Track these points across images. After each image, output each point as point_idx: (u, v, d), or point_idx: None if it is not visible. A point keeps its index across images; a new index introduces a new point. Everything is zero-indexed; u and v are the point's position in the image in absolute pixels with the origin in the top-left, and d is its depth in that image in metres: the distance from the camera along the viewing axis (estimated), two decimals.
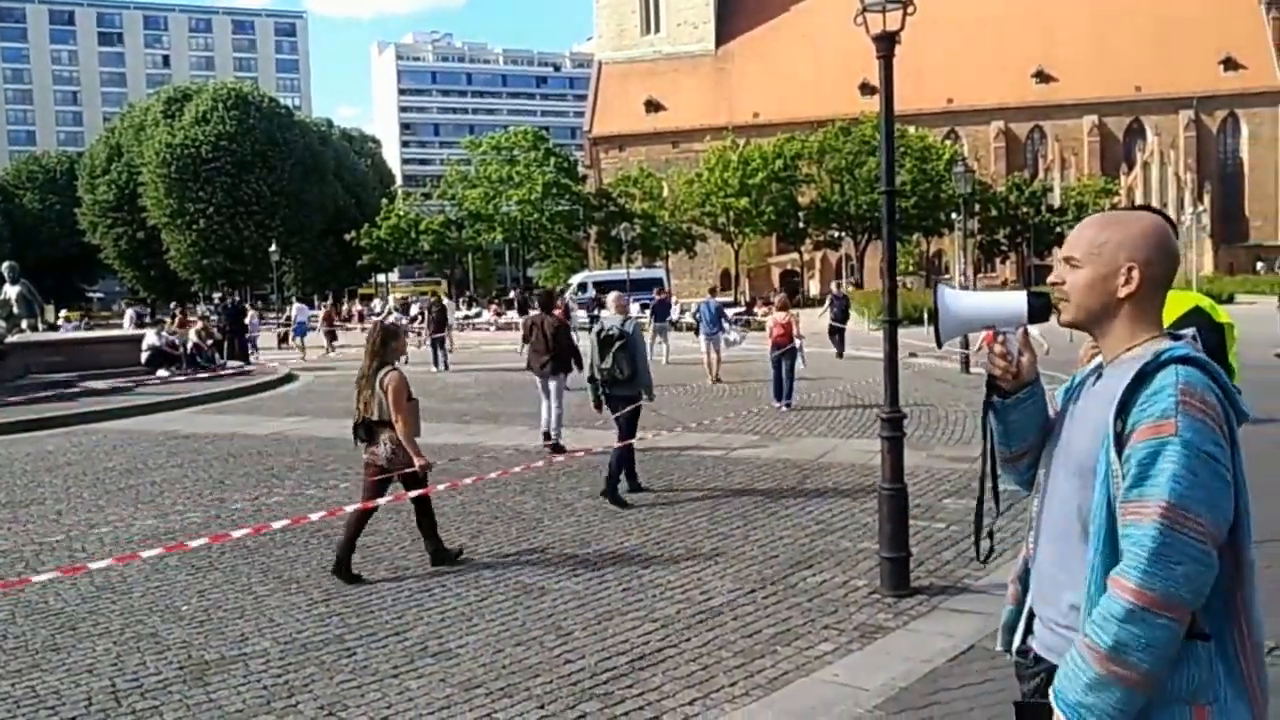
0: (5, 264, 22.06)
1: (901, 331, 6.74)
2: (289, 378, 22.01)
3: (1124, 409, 1.86)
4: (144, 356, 21.28)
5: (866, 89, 68.40)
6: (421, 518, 6.91)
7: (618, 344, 9.07)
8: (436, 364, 23.48)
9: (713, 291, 24.78)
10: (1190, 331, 2.10)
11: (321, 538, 7.75)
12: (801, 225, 67.67)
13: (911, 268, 67.51)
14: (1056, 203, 69.35)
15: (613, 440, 9.40)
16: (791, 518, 8.04)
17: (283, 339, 34.64)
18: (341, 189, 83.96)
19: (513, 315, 41.26)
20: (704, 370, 19.16)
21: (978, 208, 60.72)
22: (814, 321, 26.18)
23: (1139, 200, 63.84)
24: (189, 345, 22.78)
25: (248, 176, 74.03)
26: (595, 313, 31.40)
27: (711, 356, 19.10)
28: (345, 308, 60.50)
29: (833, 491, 9.03)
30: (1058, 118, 78.86)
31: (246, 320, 29.55)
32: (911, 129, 63.16)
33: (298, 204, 76.58)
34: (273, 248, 58.77)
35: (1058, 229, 63.52)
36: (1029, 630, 2.13)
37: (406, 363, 7.09)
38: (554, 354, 11.38)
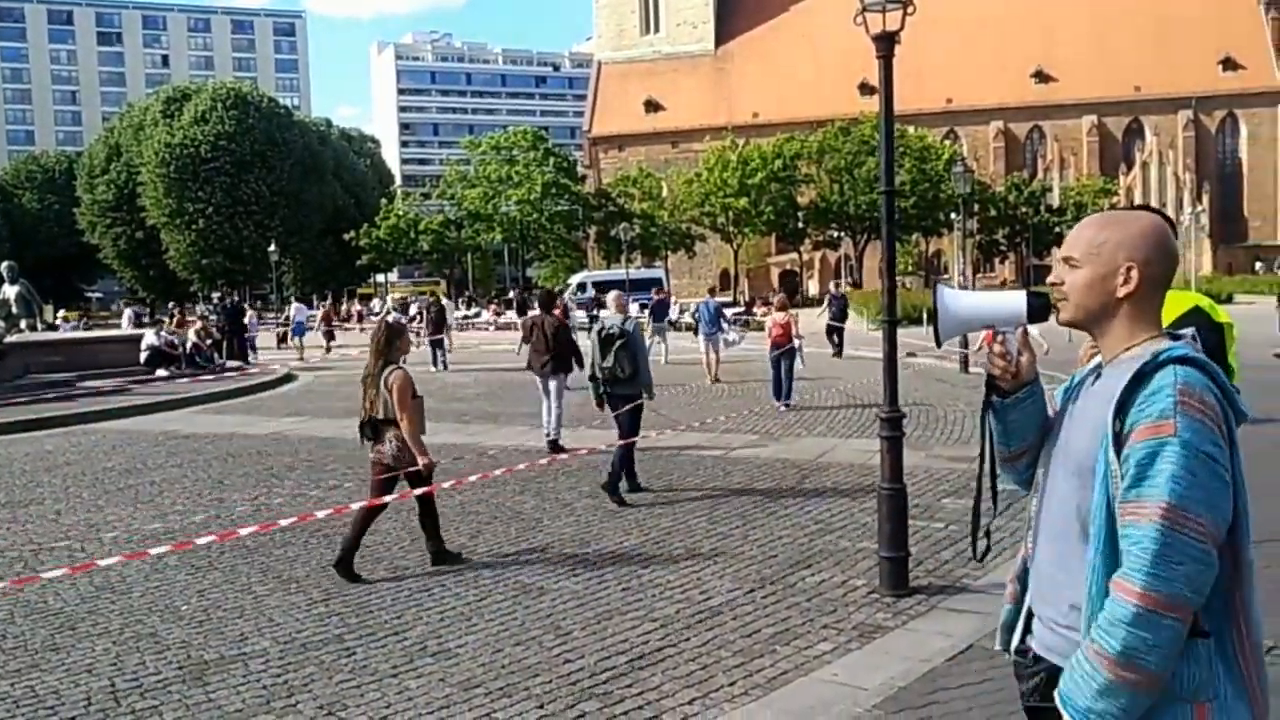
0: (4, 264, 22.05)
1: (900, 331, 6.74)
2: (288, 378, 22.02)
3: (1122, 409, 1.86)
4: (143, 356, 21.28)
5: (866, 89, 68.43)
6: (425, 517, 6.92)
7: (618, 343, 9.12)
8: (435, 364, 23.48)
9: (712, 292, 24.80)
10: (1189, 331, 2.11)
11: (321, 537, 7.76)
12: (801, 225, 67.67)
13: (910, 268, 67.53)
14: (1055, 203, 69.37)
15: (612, 439, 9.43)
16: (790, 517, 8.04)
17: (282, 339, 34.64)
18: (341, 189, 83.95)
19: (511, 315, 41.23)
20: (703, 370, 19.17)
21: (977, 208, 60.68)
22: (813, 321, 26.20)
23: (1138, 200, 63.87)
24: (188, 345, 22.78)
25: (247, 176, 74.00)
26: (594, 313, 31.41)
27: (710, 357, 19.12)
28: (344, 308, 60.52)
29: (832, 491, 9.03)
30: (1057, 118, 78.87)
31: (245, 320, 29.55)
32: (911, 129, 63.18)
33: (297, 204, 76.54)
34: (272, 248, 58.75)
35: (1057, 229, 63.54)
36: (1028, 629, 2.13)
37: (404, 363, 7.09)
38: (554, 354, 11.39)
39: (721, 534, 7.60)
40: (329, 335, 33.00)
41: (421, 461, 6.61)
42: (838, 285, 32.98)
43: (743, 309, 43.83)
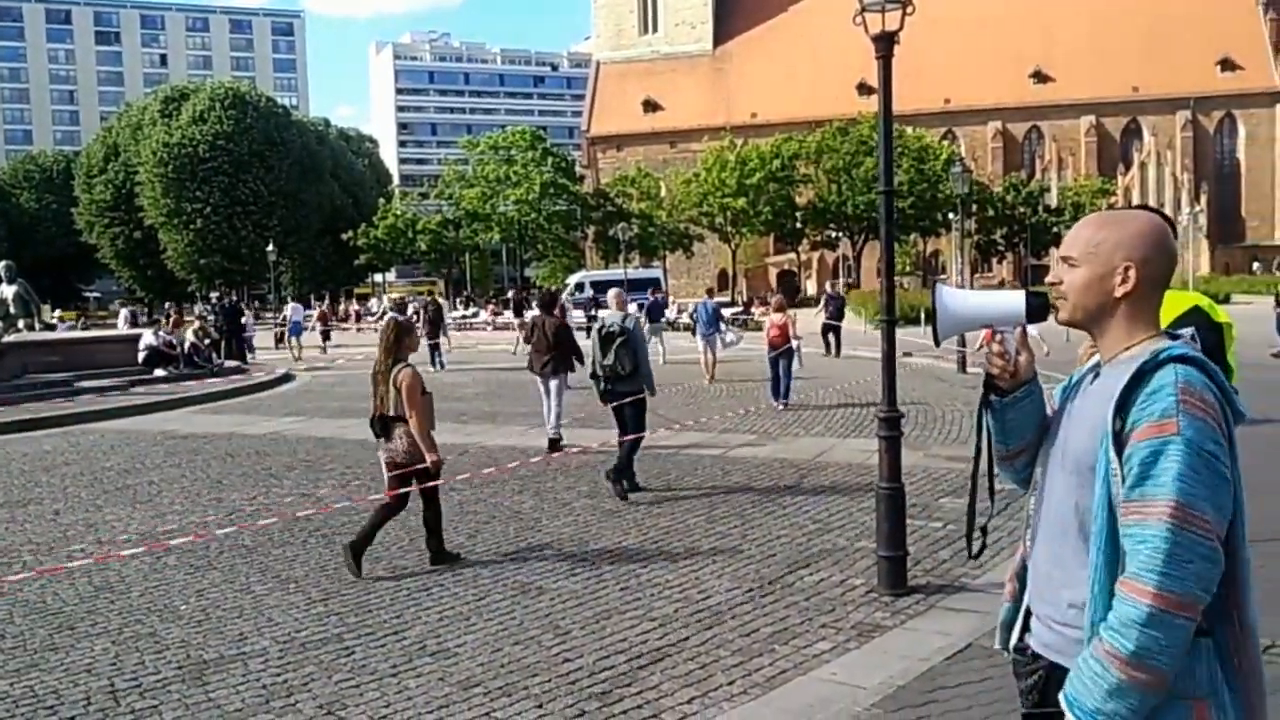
0: (2, 263, 22.00)
1: (898, 331, 6.75)
2: (286, 378, 22.03)
3: (1123, 408, 1.87)
4: (141, 356, 21.26)
5: (864, 89, 68.50)
6: (429, 514, 6.93)
7: (619, 340, 9.19)
8: (433, 364, 23.47)
9: (710, 292, 24.80)
10: (1189, 331, 2.12)
11: (320, 537, 7.76)
12: (799, 225, 67.72)
13: (908, 268, 67.54)
14: (1053, 203, 69.44)
15: (612, 438, 9.45)
16: (789, 517, 8.05)
17: (279, 339, 34.64)
18: (339, 189, 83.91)
19: (508, 316, 41.16)
20: (701, 370, 19.19)
21: (975, 208, 60.77)
22: (812, 321, 26.20)
23: (1136, 200, 63.92)
24: (186, 345, 22.75)
25: (245, 176, 73.96)
26: (592, 313, 31.41)
27: (708, 357, 19.15)
28: (342, 308, 60.50)
29: (830, 491, 9.04)
30: (1055, 118, 78.94)
31: (243, 320, 29.53)
32: (909, 129, 63.23)
33: (295, 203, 76.51)
34: (270, 247, 58.73)
35: (1055, 229, 63.62)
36: (1026, 628, 2.14)
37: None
38: (554, 354, 11.40)
39: (720, 533, 7.61)
40: (325, 335, 33.06)
41: (430, 458, 6.66)
42: (834, 285, 33.01)
43: (741, 309, 43.85)
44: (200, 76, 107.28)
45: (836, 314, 25.40)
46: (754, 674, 4.89)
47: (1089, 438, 1.93)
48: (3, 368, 17.88)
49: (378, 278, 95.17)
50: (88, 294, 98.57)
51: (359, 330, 46.81)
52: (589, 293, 47.26)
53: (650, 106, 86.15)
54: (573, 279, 58.96)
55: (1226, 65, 75.87)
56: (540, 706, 4.58)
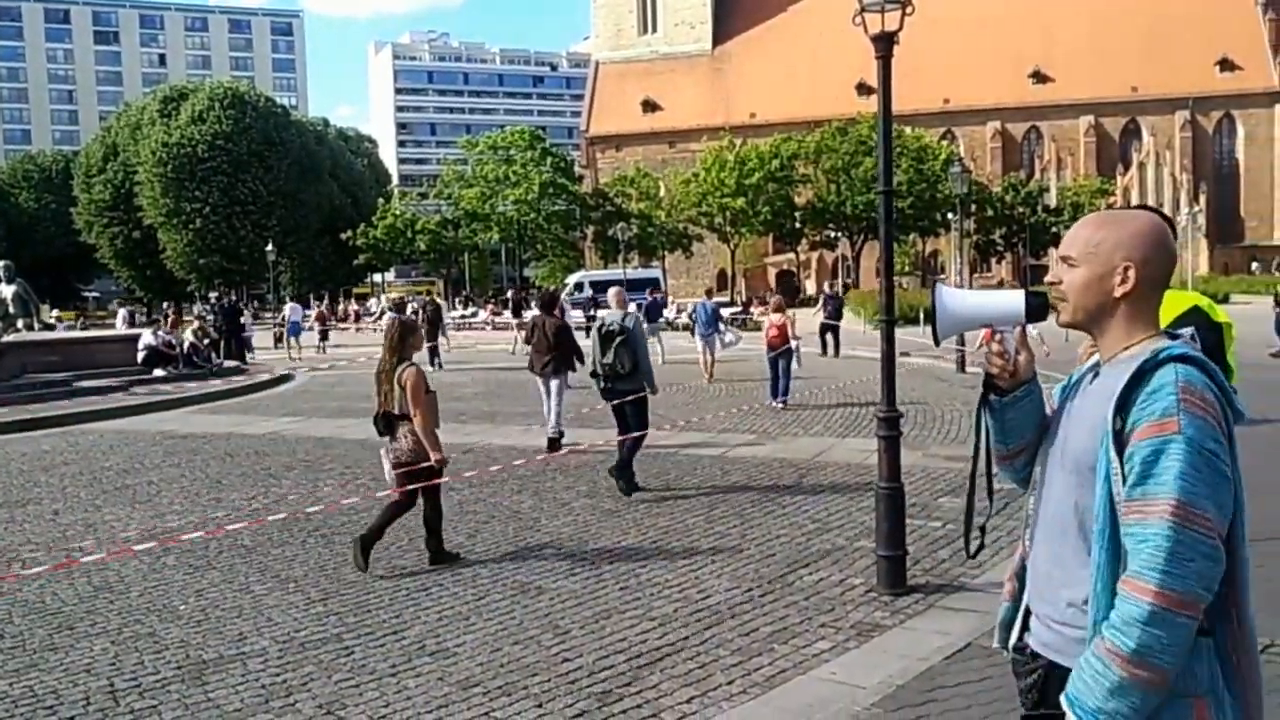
0: (1, 263, 22.01)
1: (898, 331, 6.75)
2: (285, 378, 22.02)
3: (1123, 407, 1.87)
4: (140, 356, 21.26)
5: (863, 89, 68.54)
6: (430, 513, 6.94)
7: (618, 339, 9.23)
8: (432, 364, 23.46)
9: (709, 293, 24.86)
10: (1188, 331, 2.12)
11: (319, 537, 7.76)
12: (798, 225, 67.71)
13: (907, 268, 67.55)
14: (1052, 203, 69.45)
15: (612, 437, 9.47)
16: (788, 516, 8.05)
17: (278, 339, 34.65)
18: (338, 188, 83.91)
19: (506, 316, 41.14)
20: (699, 370, 19.20)
21: (974, 208, 60.76)
22: (810, 321, 26.20)
23: (1135, 200, 63.97)
24: (185, 345, 22.75)
25: (244, 176, 73.95)
26: (591, 313, 31.39)
27: (707, 357, 19.16)
28: (341, 307, 60.47)
29: (829, 490, 9.04)
30: (1054, 118, 78.96)
31: (242, 320, 29.52)
32: (908, 129, 63.21)
33: (294, 203, 76.50)
34: (269, 247, 58.72)
35: (1054, 229, 63.64)
36: (1025, 627, 2.14)
37: None
38: (555, 355, 11.41)
39: (719, 533, 7.61)
40: (323, 335, 33.06)
41: (434, 456, 6.70)
42: (832, 285, 33.04)
43: (740, 309, 43.85)
44: (199, 76, 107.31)
45: (835, 314, 25.42)
46: (753, 673, 4.89)
47: (1089, 437, 1.94)
48: (2, 368, 17.87)
49: (377, 278, 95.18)
50: (87, 294, 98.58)
51: (358, 330, 46.79)
52: (588, 293, 47.27)
53: (649, 106, 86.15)
54: (572, 279, 58.97)
55: (1225, 65, 75.89)
56: (540, 706, 4.58)
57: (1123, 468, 1.84)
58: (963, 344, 18.85)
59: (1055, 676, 1.98)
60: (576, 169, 79.21)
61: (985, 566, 6.26)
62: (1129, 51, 75.59)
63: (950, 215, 51.53)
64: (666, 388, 16.70)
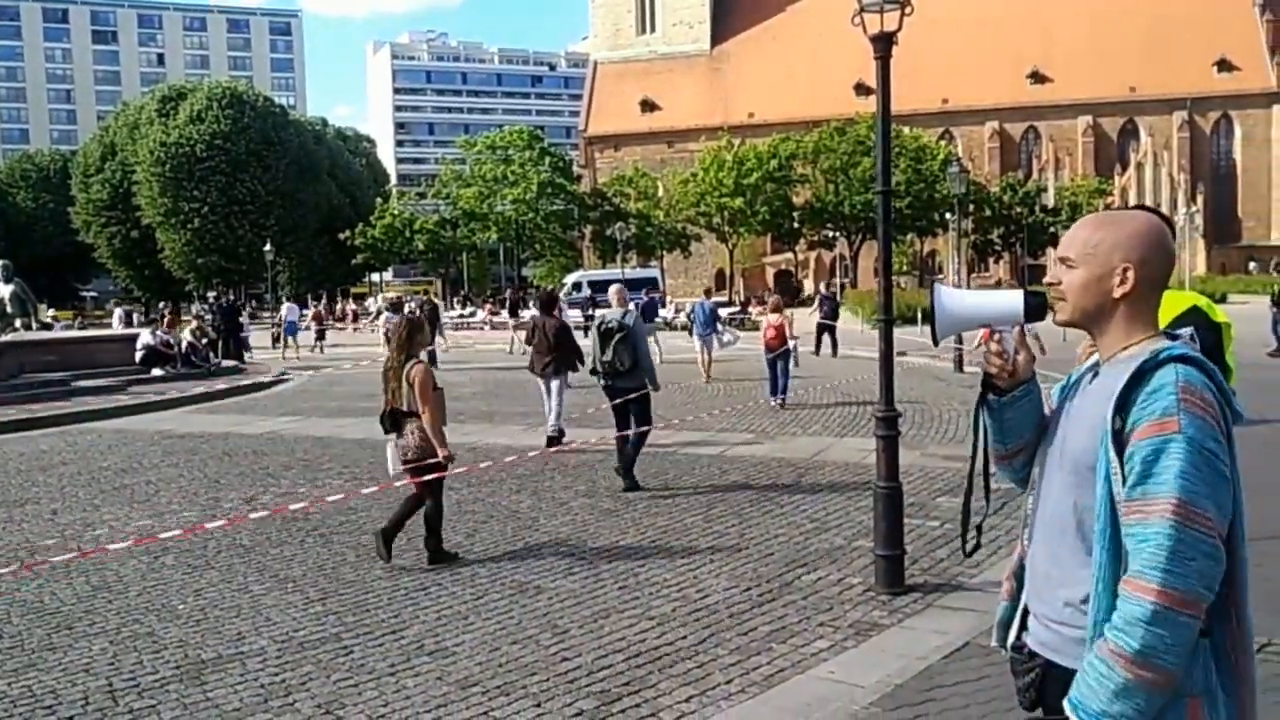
0: None
1: (896, 331, 6.75)
2: (283, 378, 22.02)
3: (1123, 407, 1.87)
4: (138, 356, 21.26)
5: (862, 89, 68.56)
6: (432, 511, 6.95)
7: (618, 336, 9.28)
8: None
9: (707, 293, 24.89)
10: (1188, 331, 2.12)
11: (317, 536, 7.76)
12: (796, 225, 67.71)
13: (905, 268, 67.57)
14: (1050, 203, 69.46)
15: (611, 436, 9.49)
16: (787, 516, 8.06)
17: (276, 339, 34.65)
18: (336, 188, 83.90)
19: (504, 316, 41.08)
20: (698, 370, 19.21)
21: (972, 208, 60.82)
22: (807, 320, 26.20)
23: (1133, 200, 64.03)
24: (183, 345, 22.74)
25: (242, 175, 73.93)
26: (590, 312, 31.40)
27: (705, 357, 19.17)
28: (339, 307, 60.44)
29: (828, 489, 9.05)
30: (1052, 118, 79.02)
31: (240, 319, 29.51)
32: (906, 129, 63.24)
33: (292, 203, 76.48)
34: (267, 247, 58.57)
35: (1052, 229, 63.68)
36: (1024, 626, 2.14)
37: None
38: (555, 355, 11.42)
39: (718, 532, 7.61)
40: (320, 335, 33.10)
41: (442, 453, 6.76)
42: (829, 285, 33.06)
43: (738, 309, 43.85)
44: (197, 76, 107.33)
45: (831, 314, 25.42)
46: (752, 673, 4.90)
47: (1088, 437, 1.94)
48: (0, 367, 17.86)
49: (375, 277, 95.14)
50: (85, 293, 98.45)
51: (355, 330, 46.76)
52: (586, 292, 47.28)
53: (648, 106, 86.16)
54: (570, 278, 58.98)
55: (1223, 66, 75.94)
56: (538, 706, 4.58)
57: (1122, 467, 1.85)
58: (961, 343, 18.86)
59: (1053, 675, 1.98)
60: (575, 169, 79.24)
61: (983, 566, 6.27)
62: (1127, 52, 75.65)
63: (948, 215, 51.54)
64: (665, 387, 16.70)
